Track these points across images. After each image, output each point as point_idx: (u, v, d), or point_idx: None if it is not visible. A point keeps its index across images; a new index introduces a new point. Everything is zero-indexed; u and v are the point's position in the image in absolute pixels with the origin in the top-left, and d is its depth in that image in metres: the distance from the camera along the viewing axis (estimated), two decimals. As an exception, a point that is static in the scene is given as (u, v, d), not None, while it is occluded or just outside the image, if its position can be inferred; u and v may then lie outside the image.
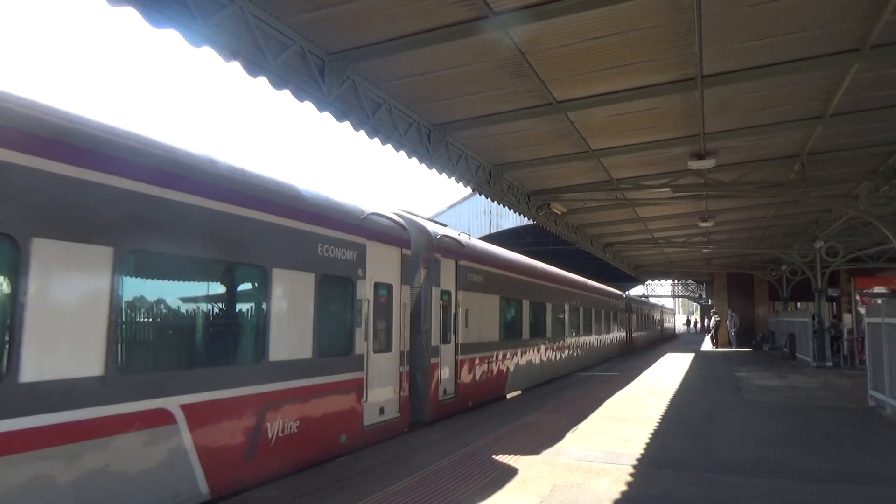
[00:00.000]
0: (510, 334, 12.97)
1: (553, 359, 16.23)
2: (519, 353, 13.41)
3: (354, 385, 7.19)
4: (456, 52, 6.56)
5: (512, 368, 12.89)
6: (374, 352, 7.70)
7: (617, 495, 5.31)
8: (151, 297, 4.94)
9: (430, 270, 9.49)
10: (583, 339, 19.89)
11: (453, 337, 10.30)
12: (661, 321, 47.58)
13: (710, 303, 42.19)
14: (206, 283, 5.65)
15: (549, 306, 15.94)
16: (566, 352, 17.61)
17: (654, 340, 39.86)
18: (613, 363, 22.51)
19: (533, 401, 11.56)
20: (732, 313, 30.21)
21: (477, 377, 11.08)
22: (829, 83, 7.84)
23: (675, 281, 60.53)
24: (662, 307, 52.45)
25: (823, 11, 6.04)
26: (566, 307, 17.83)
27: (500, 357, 12.27)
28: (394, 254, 8.40)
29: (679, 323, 73.84)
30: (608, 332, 24.30)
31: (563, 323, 17.45)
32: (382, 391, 7.86)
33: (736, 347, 29.27)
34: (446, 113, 8.49)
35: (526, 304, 14.00)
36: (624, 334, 27.97)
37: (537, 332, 14.91)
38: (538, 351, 14.92)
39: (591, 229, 18.94)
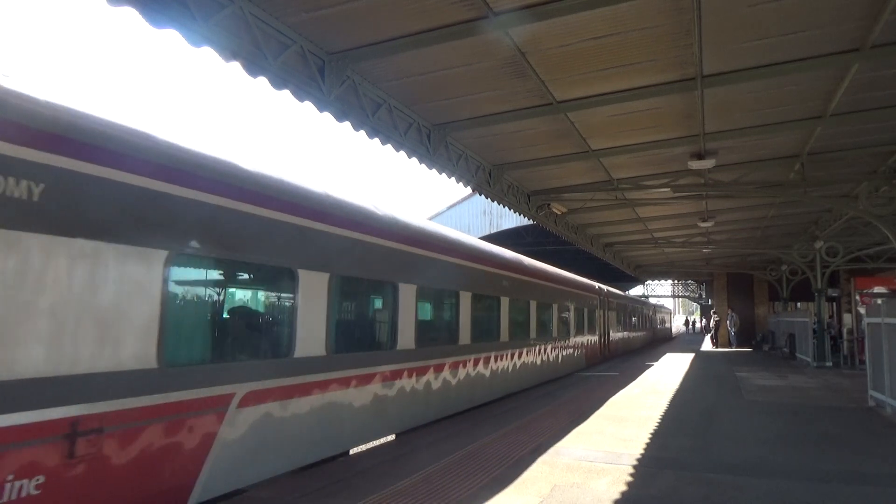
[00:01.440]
0: (229, 350, 5.76)
1: (425, 389, 8.62)
2: (271, 400, 5.67)
3: None
4: (456, 52, 6.56)
5: (235, 434, 5.26)
6: None
7: (617, 495, 5.31)
8: None
9: None
10: (512, 350, 12.41)
11: None
12: (654, 321, 40.86)
13: (710, 303, 42.11)
14: None
15: (406, 291, 8.09)
16: (467, 371, 10.12)
17: (644, 344, 34.08)
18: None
19: (533, 401, 11.55)
20: (732, 313, 30.21)
21: None
22: (829, 83, 7.84)
23: (675, 281, 60.58)
24: (656, 305, 45.98)
25: (823, 11, 6.04)
26: (466, 299, 10.17)
27: (136, 417, 4.45)
28: None
29: (678, 323, 73.37)
30: (567, 335, 17.08)
31: (455, 324, 9.88)
32: None
33: (736, 347, 29.27)
34: (446, 113, 8.49)
35: (318, 283, 6.33)
36: (596, 339, 21.06)
37: (359, 339, 7.73)
38: (355, 386, 6.96)
39: (591, 229, 18.94)
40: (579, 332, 18.58)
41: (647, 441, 7.58)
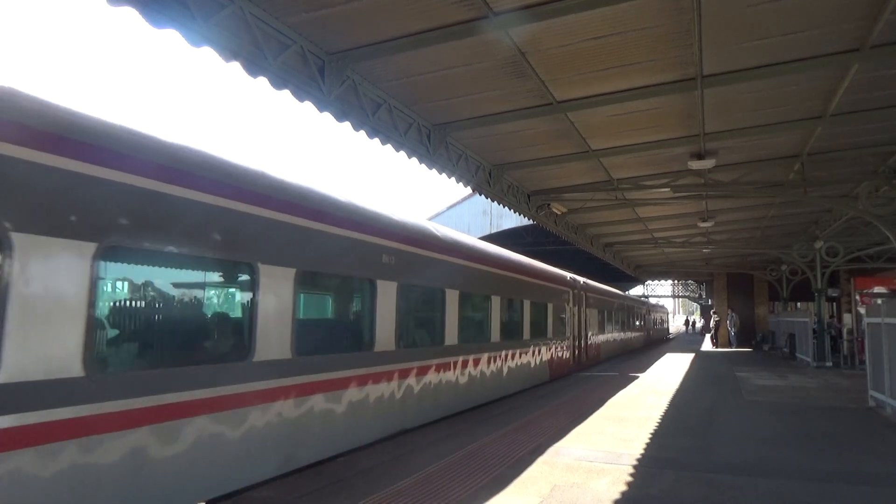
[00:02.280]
0: None
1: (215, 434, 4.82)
2: None
3: None
4: (456, 52, 6.56)
5: None
6: None
7: (617, 495, 5.31)
8: None
9: None
10: (410, 364, 8.12)
11: None
12: (648, 321, 36.31)
13: (710, 303, 42.05)
14: None
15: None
16: (299, 411, 5.84)
17: (636, 348, 29.95)
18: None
19: (533, 401, 11.55)
20: (732, 313, 30.21)
21: None
22: (829, 83, 7.84)
23: (675, 281, 60.59)
24: (651, 304, 41.78)
25: (823, 12, 6.04)
26: (282, 279, 5.62)
27: None
28: None
29: (678, 323, 73.11)
30: (518, 339, 12.73)
31: (250, 324, 5.30)
32: None
33: (736, 347, 29.27)
34: (446, 113, 8.49)
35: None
36: (567, 343, 16.84)
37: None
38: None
39: (591, 229, 18.94)
40: (540, 334, 14.25)
41: (647, 441, 7.58)
